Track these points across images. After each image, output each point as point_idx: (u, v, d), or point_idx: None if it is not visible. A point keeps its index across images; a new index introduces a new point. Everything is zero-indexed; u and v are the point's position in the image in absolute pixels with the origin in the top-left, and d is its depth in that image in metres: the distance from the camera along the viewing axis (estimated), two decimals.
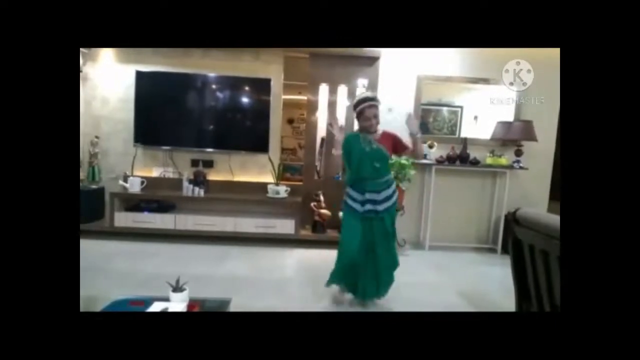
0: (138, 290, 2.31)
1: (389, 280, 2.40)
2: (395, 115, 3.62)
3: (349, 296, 2.46)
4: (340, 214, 2.64)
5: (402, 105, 3.74)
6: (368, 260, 2.31)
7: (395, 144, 2.35)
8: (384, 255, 2.33)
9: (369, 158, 2.25)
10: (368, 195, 2.27)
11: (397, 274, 2.56)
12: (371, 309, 2.37)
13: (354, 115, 2.37)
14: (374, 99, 2.28)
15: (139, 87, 3.71)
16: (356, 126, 2.65)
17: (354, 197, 2.31)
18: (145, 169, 3.89)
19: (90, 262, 2.79)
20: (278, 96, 3.88)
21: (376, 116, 2.27)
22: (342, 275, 2.37)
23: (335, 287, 2.47)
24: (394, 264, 2.41)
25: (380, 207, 2.28)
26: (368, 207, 2.27)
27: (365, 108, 2.25)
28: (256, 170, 3.95)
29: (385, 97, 3.76)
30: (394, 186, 2.36)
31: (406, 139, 2.37)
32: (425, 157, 3.74)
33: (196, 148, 3.87)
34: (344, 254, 2.34)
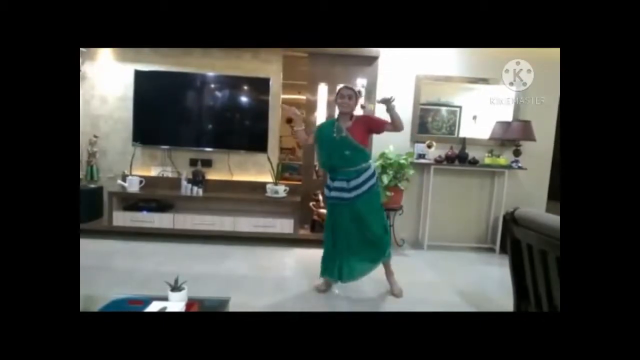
0: (137, 289, 2.31)
1: (363, 267, 2.46)
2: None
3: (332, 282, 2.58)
4: None
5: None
6: (344, 245, 2.43)
7: (371, 124, 2.43)
8: (357, 241, 2.41)
9: (338, 146, 2.35)
10: (337, 184, 2.37)
11: (396, 273, 2.56)
12: (370, 308, 2.37)
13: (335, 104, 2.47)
14: (352, 88, 2.42)
15: (137, 86, 3.70)
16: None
17: (327, 183, 2.46)
18: (143, 168, 3.88)
19: (88, 262, 2.78)
20: (277, 95, 3.88)
21: (351, 97, 2.36)
22: (324, 258, 2.52)
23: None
24: (374, 253, 2.46)
25: (347, 195, 2.35)
26: (334, 194, 2.39)
27: (342, 89, 2.40)
28: (255, 170, 3.95)
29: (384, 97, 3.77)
30: (367, 174, 2.37)
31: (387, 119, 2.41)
32: (423, 156, 3.75)
33: (195, 147, 3.86)
34: (324, 236, 2.54)
